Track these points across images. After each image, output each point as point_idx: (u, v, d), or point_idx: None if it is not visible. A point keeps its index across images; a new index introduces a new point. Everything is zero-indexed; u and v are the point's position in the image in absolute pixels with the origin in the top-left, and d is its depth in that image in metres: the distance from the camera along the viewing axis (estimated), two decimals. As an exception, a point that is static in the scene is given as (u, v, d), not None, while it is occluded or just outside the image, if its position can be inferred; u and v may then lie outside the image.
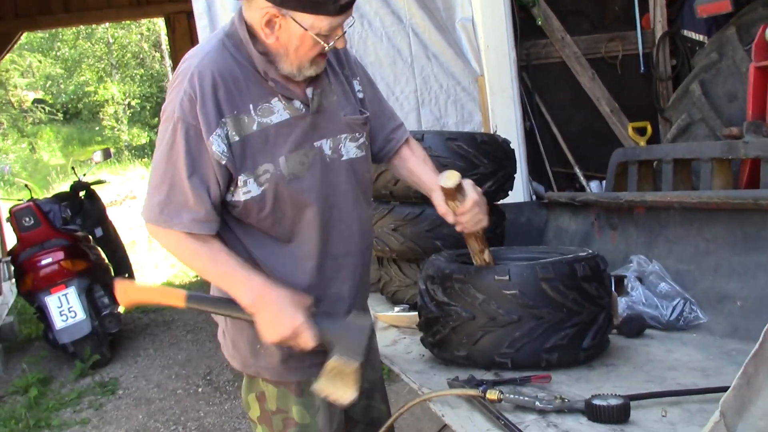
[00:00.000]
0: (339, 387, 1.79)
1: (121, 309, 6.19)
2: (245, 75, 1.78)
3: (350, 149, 1.93)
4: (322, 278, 1.90)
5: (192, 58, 1.79)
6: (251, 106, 1.77)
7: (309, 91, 1.85)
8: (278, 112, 1.80)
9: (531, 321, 2.21)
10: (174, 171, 1.73)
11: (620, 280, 2.97)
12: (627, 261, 3.09)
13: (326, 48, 1.77)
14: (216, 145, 1.72)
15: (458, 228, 2.07)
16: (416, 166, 2.14)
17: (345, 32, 1.80)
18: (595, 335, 2.29)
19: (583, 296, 2.26)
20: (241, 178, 1.76)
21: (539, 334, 2.22)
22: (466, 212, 1.98)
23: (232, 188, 1.78)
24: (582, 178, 5.34)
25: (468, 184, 1.99)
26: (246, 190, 1.77)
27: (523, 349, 2.22)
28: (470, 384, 2.09)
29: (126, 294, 1.97)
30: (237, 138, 1.74)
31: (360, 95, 2.01)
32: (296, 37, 1.74)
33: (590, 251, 2.44)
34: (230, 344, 1.99)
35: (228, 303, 1.83)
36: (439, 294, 2.34)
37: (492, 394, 1.92)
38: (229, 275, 1.78)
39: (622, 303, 2.84)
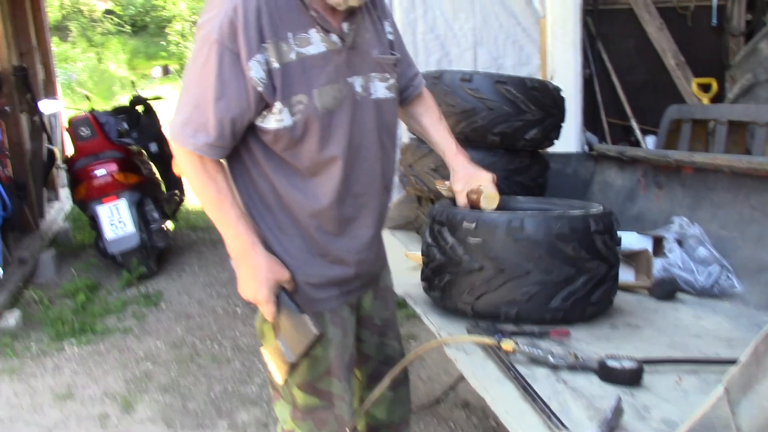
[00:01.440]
0: (275, 363, 1.89)
1: (170, 224, 6.35)
2: (286, 1, 1.77)
3: (379, 89, 1.91)
4: (341, 215, 1.90)
5: None
6: (290, 34, 1.75)
7: (345, 26, 1.83)
8: (315, 43, 1.78)
9: (541, 274, 2.18)
10: (201, 92, 1.74)
11: (659, 241, 2.92)
12: (669, 221, 3.02)
13: None
14: (255, 71, 1.71)
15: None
16: (432, 126, 2.25)
17: None
18: (603, 291, 2.26)
19: (592, 252, 2.21)
20: (276, 106, 1.75)
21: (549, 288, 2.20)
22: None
23: (265, 113, 1.77)
24: (638, 131, 5.20)
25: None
26: (279, 119, 1.77)
27: (531, 301, 2.19)
28: (488, 332, 2.09)
29: None
30: (277, 65, 1.73)
31: (390, 37, 1.99)
32: None
33: (603, 207, 2.38)
34: None
35: None
36: (450, 241, 2.31)
37: (507, 345, 1.93)
38: (226, 223, 1.82)
39: (657, 264, 2.79)
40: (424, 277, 2.43)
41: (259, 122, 1.79)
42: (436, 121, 2.25)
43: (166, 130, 7.25)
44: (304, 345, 1.83)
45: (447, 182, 2.42)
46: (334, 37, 1.81)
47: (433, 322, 2.31)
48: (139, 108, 6.86)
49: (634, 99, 5.29)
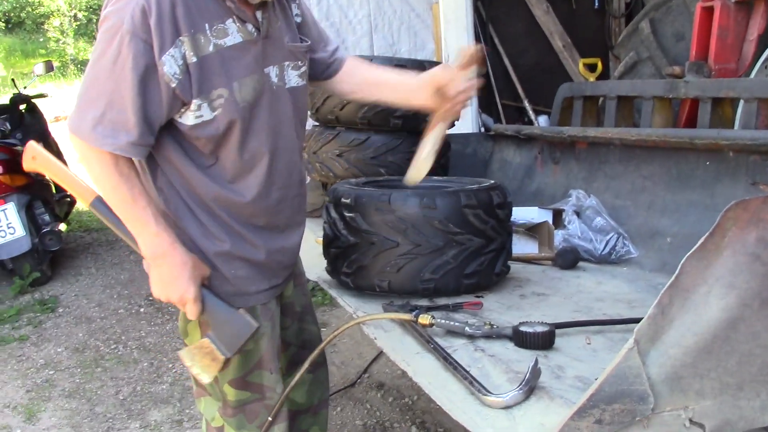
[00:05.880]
0: (201, 365, 1.81)
1: (62, 227, 6.08)
2: None
3: (292, 77, 1.88)
4: (266, 208, 1.87)
5: None
6: (206, 24, 1.68)
7: (259, 14, 1.78)
8: (232, 34, 1.72)
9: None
10: (116, 87, 1.62)
11: (558, 214, 3.04)
12: (567, 195, 3.15)
13: None
14: (168, 66, 1.62)
15: (454, 103, 1.93)
16: (372, 69, 2.11)
17: None
18: (479, 264, 2.31)
19: (464, 226, 2.27)
20: (195, 102, 1.67)
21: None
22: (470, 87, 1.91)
23: (183, 109, 1.70)
24: (531, 111, 5.38)
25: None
26: (198, 114, 1.69)
27: (401, 273, 2.26)
28: (404, 309, 2.13)
29: (33, 159, 1.89)
30: (195, 59, 1.65)
31: (298, 20, 1.96)
32: None
33: (492, 181, 2.49)
34: None
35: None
36: (333, 217, 2.37)
37: (424, 319, 1.96)
38: (143, 222, 1.72)
39: (558, 235, 2.90)
40: (324, 253, 2.48)
41: (177, 118, 1.71)
42: (375, 67, 2.13)
43: (52, 128, 6.99)
44: (243, 339, 1.78)
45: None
46: (250, 27, 1.75)
47: (349, 303, 2.33)
48: (22, 107, 6.55)
49: (526, 81, 5.46)
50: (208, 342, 1.80)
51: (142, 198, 1.72)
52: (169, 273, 1.75)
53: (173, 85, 1.64)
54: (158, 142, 1.75)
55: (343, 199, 2.31)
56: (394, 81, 2.05)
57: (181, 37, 1.63)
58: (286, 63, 1.86)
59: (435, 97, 1.94)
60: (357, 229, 2.26)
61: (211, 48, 1.68)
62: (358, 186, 2.44)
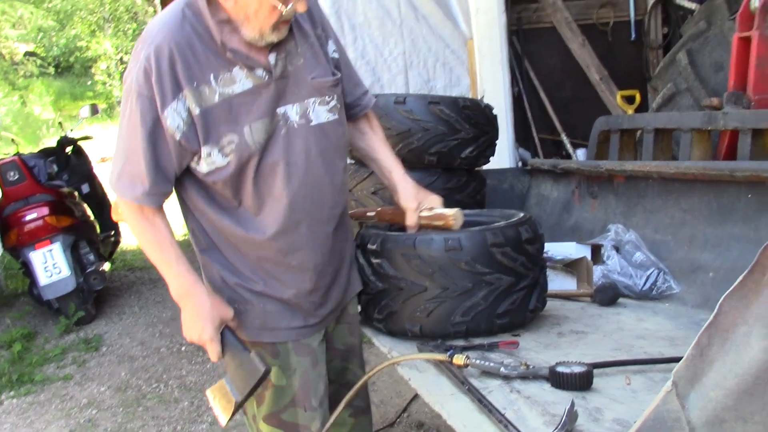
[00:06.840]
0: (220, 406, 1.87)
1: (106, 266, 6.19)
2: (204, 45, 1.76)
3: (320, 113, 1.90)
4: (287, 246, 1.88)
5: (151, 28, 1.78)
6: (212, 75, 1.75)
7: (272, 57, 1.81)
8: (240, 81, 1.78)
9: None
10: (130, 143, 1.77)
11: (597, 249, 2.99)
12: (605, 230, 3.10)
13: (284, 12, 1.72)
14: (171, 120, 1.73)
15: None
16: (378, 146, 2.22)
17: None
18: (511, 303, 2.26)
19: (491, 265, 2.21)
20: (204, 150, 1.77)
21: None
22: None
23: (196, 159, 1.80)
24: (569, 145, 5.34)
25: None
26: (210, 161, 1.78)
27: (431, 317, 2.21)
28: (439, 349, 2.11)
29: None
30: (198, 110, 1.74)
31: (335, 56, 1.99)
32: (254, 0, 1.71)
33: (525, 214, 2.41)
34: None
35: None
36: (362, 262, 2.33)
37: (459, 360, 1.94)
38: (167, 263, 1.84)
39: (597, 271, 2.86)
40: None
41: (193, 166, 1.81)
42: (381, 142, 2.23)
43: (97, 169, 7.15)
44: (251, 383, 1.81)
45: (371, 212, 2.45)
46: (260, 72, 1.80)
47: (384, 344, 2.31)
48: (69, 149, 6.72)
49: (563, 114, 5.43)
50: (224, 383, 1.86)
51: (166, 240, 1.83)
52: (191, 313, 1.84)
53: (177, 137, 1.75)
54: (186, 189, 1.86)
55: (369, 245, 2.29)
56: (382, 166, 2.23)
57: (183, 91, 1.72)
58: (311, 99, 1.88)
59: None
60: (385, 275, 2.24)
61: (216, 98, 1.75)
62: (384, 230, 2.42)
